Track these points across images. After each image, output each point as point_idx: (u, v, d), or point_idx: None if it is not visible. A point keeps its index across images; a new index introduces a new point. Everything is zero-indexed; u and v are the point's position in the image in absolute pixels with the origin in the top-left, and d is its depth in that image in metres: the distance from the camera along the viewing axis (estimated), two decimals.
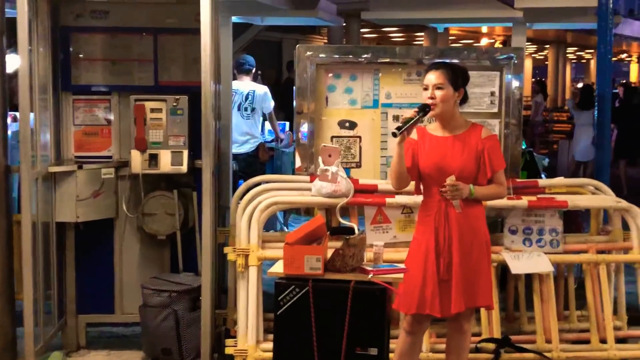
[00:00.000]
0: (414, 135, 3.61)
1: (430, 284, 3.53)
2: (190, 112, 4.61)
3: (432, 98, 3.52)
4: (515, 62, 4.76)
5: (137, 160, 4.61)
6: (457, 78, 3.58)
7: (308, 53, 4.73)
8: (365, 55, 4.77)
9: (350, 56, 4.79)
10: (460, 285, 3.52)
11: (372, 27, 22.57)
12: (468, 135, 3.59)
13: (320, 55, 4.74)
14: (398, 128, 3.46)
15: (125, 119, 4.76)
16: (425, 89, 3.57)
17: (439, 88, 3.53)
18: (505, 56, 4.80)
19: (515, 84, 4.76)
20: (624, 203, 4.53)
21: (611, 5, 5.27)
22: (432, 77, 3.55)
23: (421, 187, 3.70)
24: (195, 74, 4.40)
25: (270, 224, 7.19)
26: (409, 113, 3.53)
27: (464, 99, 3.66)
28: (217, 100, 4.72)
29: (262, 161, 7.05)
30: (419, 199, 4.44)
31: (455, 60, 4.51)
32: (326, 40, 25.66)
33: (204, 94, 4.23)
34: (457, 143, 3.56)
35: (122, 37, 4.81)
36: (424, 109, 3.52)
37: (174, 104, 4.63)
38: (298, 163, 4.79)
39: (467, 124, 3.65)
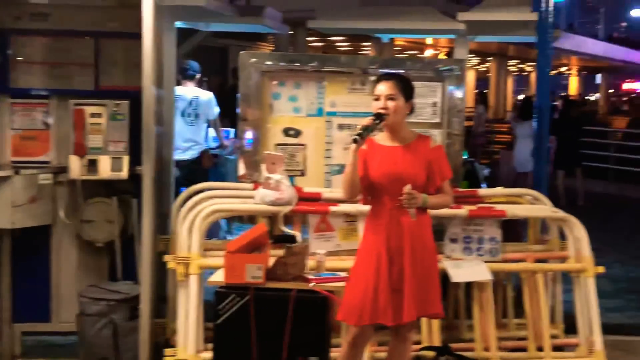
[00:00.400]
0: (363, 145, 3.60)
1: (383, 293, 3.50)
2: (131, 117, 4.55)
3: (384, 108, 3.54)
4: (457, 73, 4.83)
5: (75, 166, 4.52)
6: (408, 89, 3.63)
7: (252, 60, 4.71)
8: (311, 64, 4.78)
9: (296, 64, 4.79)
10: (412, 294, 3.52)
11: (318, 36, 22.65)
12: (416, 146, 3.63)
13: (266, 63, 4.73)
14: (359, 134, 3.46)
15: (64, 124, 4.65)
16: (377, 99, 3.58)
17: (391, 99, 3.54)
18: (447, 68, 4.87)
19: (457, 94, 4.82)
20: (560, 213, 4.63)
21: (551, 20, 5.38)
22: (384, 88, 3.57)
23: (369, 197, 3.69)
24: (137, 79, 4.33)
25: (213, 232, 7.12)
26: (366, 121, 3.53)
27: (411, 111, 3.70)
28: (159, 106, 4.66)
29: (206, 168, 6.98)
30: (362, 207, 4.48)
31: (401, 71, 4.56)
32: (273, 48, 25.67)
33: (145, 100, 4.18)
34: (408, 153, 3.59)
35: (62, 40, 4.71)
36: (380, 116, 3.53)
37: (115, 108, 4.56)
38: (241, 170, 4.76)
39: (414, 135, 3.69)
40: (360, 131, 3.48)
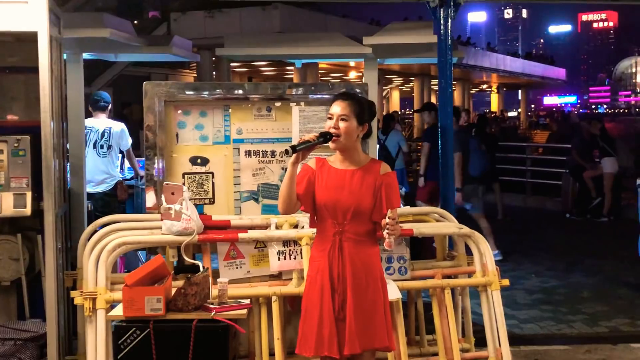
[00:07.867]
0: (312, 164, 3.53)
1: (327, 323, 3.39)
2: (33, 152, 4.49)
3: (335, 128, 3.44)
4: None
5: None
6: (363, 112, 3.49)
7: (155, 89, 4.69)
8: (214, 92, 4.79)
9: (198, 92, 4.80)
10: (354, 325, 3.38)
11: (242, 61, 22.78)
12: (367, 170, 3.50)
13: (168, 92, 4.72)
14: (293, 146, 3.37)
15: None
16: (330, 118, 3.48)
17: (343, 119, 3.44)
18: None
19: None
20: (465, 229, 4.73)
21: (450, 42, 5.54)
22: (338, 109, 3.47)
23: (315, 219, 3.57)
24: (39, 113, 4.28)
25: (133, 264, 7.02)
26: (308, 136, 3.45)
27: (368, 134, 3.59)
28: (63, 139, 4.61)
29: (121, 200, 6.89)
30: (271, 233, 4.51)
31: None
32: (196, 75, 25.69)
33: (43, 135, 4.12)
34: (356, 177, 3.47)
35: None
36: (325, 135, 3.45)
37: (15, 144, 4.49)
38: (150, 202, 4.71)
39: (366, 159, 3.57)
40: (296, 144, 3.39)
